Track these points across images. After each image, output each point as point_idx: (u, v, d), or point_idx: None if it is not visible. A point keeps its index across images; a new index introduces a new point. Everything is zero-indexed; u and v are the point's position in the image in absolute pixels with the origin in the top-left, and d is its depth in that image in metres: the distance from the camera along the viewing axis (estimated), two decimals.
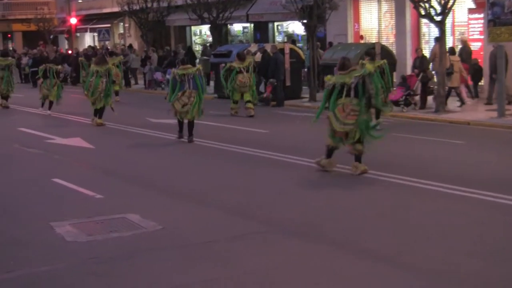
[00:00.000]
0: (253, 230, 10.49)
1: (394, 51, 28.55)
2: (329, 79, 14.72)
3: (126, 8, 43.15)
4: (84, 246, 9.79)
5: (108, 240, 10.01)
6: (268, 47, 29.26)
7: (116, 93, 29.29)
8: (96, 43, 53.03)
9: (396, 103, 24.13)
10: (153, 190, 13.43)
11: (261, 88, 27.93)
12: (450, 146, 17.89)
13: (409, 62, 29.01)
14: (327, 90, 14.51)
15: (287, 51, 29.13)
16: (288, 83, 28.52)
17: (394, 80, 26.28)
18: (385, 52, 26.24)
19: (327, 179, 13.95)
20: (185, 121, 18.99)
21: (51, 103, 27.05)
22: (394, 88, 21.92)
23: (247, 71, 24.57)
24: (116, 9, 47.42)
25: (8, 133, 22.16)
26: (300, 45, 36.72)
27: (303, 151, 16.36)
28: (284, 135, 19.89)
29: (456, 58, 25.27)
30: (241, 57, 25.15)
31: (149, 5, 42.26)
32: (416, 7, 23.83)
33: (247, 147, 17.55)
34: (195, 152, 17.58)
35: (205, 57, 35.03)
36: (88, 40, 59.00)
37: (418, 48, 26.85)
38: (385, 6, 32.99)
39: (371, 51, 22.01)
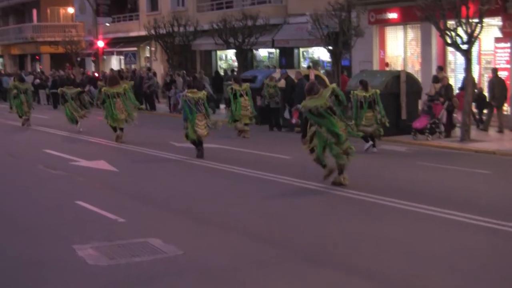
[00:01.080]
0: (274, 256, 10.44)
1: (420, 79, 28.46)
2: (304, 106, 15.59)
3: (152, 32, 43.45)
4: (105, 270, 9.79)
5: (130, 264, 10.00)
6: (292, 73, 29.30)
7: None
8: (123, 66, 53.39)
9: (421, 131, 24.07)
10: (175, 214, 13.43)
11: (286, 114, 27.93)
12: (475, 176, 17.77)
13: None
14: (310, 115, 15.46)
15: (312, 77, 29.11)
16: None
17: (419, 108, 26.21)
18: (411, 80, 26.18)
19: (348, 206, 13.88)
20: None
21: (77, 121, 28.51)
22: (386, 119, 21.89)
23: (246, 95, 25.94)
24: (142, 32, 47.76)
25: (33, 154, 22.30)
26: (323, 71, 36.72)
27: (328, 179, 16.31)
28: (307, 161, 19.81)
29: (439, 85, 25.76)
30: (238, 80, 26.79)
31: (175, 29, 42.53)
32: (442, 35, 23.78)
33: (269, 172, 17.52)
34: (218, 177, 17.58)
35: (230, 82, 35.07)
36: (115, 63, 59.36)
37: (444, 77, 26.76)
38: (411, 34, 32.95)
39: (364, 80, 22.20)
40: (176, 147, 22.67)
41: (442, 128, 24.45)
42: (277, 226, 12.25)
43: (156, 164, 19.91)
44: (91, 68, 58.52)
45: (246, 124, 26.04)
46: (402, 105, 25.38)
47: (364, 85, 21.71)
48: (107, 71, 49.99)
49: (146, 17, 50.48)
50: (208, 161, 19.62)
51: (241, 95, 25.81)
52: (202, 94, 20.36)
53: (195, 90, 20.58)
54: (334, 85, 16.22)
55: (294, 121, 27.38)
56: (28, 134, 28.99)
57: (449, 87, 24.97)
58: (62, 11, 70.30)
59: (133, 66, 50.03)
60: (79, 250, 10.62)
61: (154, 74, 42.93)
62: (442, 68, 27.92)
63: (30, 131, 29.90)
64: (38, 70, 64.92)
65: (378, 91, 21.78)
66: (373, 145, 21.66)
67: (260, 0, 42.13)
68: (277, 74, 29.95)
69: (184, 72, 40.06)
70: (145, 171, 18.83)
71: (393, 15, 32.82)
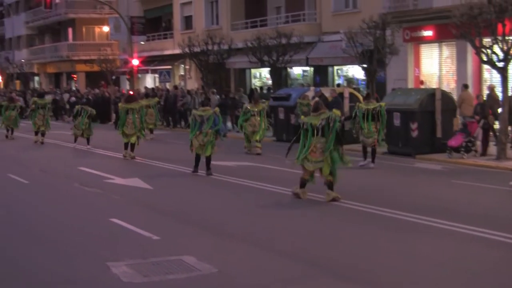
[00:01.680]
0: (302, 272, 10.42)
1: (455, 97, 28.27)
2: (303, 119, 17.03)
3: (187, 50, 43.62)
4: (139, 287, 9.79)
5: (164, 282, 9.99)
6: (326, 91, 29.24)
7: (151, 131, 32.76)
8: (157, 84, 53.68)
9: (456, 149, 23.87)
10: (209, 231, 13.42)
11: None
12: (511, 194, 17.57)
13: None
14: (302, 130, 16.61)
15: (346, 95, 29.05)
16: (346, 127, 28.36)
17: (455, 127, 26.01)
18: (446, 97, 25.99)
19: (379, 223, 13.76)
20: (203, 158, 20.92)
21: (87, 139, 29.68)
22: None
23: (259, 115, 26.85)
24: (177, 51, 47.97)
25: (68, 172, 22.42)
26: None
27: (360, 196, 16.23)
28: (340, 179, 19.75)
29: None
30: (256, 100, 27.86)
31: (209, 47, 42.67)
32: (478, 53, 23.62)
33: None
34: (252, 194, 17.54)
35: (263, 100, 35.11)
36: (149, 81, 59.69)
37: (479, 95, 26.56)
38: (446, 51, 32.80)
39: (369, 94, 24.33)
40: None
41: (478, 146, 24.23)
42: (312, 244, 12.18)
43: (191, 182, 19.93)
44: (125, 86, 58.88)
45: (257, 141, 26.80)
46: (437, 123, 25.21)
47: (368, 98, 23.30)
48: (142, 89, 50.29)
49: (181, 36, 50.76)
50: (241, 179, 19.63)
51: (252, 115, 26.74)
52: (210, 112, 20.93)
53: (207, 107, 21.34)
54: (335, 112, 16.81)
55: None
56: (62, 151, 29.17)
57: (484, 105, 24.75)
58: (97, 29, 71.01)
59: (167, 85, 50.25)
60: (113, 268, 10.63)
61: (188, 92, 43.10)
62: (467, 86, 27.75)
63: (63, 148, 30.03)
64: (74, 88, 65.49)
65: (383, 105, 22.79)
66: (372, 161, 22.43)
67: (294, 18, 42.16)
68: (310, 92, 29.90)
69: (214, 90, 40.16)
70: (180, 189, 18.86)
71: (428, 33, 32.71)
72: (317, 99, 28.02)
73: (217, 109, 21.47)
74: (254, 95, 30.52)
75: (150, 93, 43.26)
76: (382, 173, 21.27)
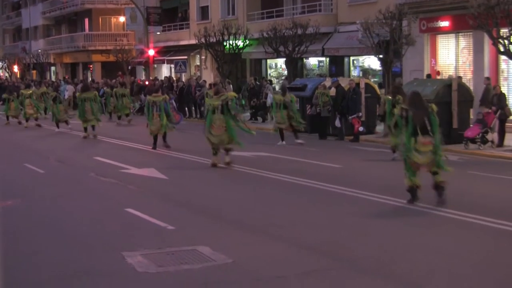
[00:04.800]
0: (324, 266, 10.34)
1: (472, 88, 28.12)
2: (207, 101, 21.48)
3: (203, 40, 43.59)
4: (154, 277, 9.80)
5: (179, 272, 9.99)
6: (343, 81, 29.16)
7: (126, 115, 37.90)
8: (173, 74, 53.71)
9: (472, 140, 23.77)
10: (225, 222, 13.41)
11: (337, 123, 27.74)
12: None
13: None
14: (207, 111, 20.53)
15: (362, 85, 28.95)
16: (363, 118, 28.32)
17: (471, 117, 25.87)
18: (462, 88, 25.85)
19: (400, 216, 13.73)
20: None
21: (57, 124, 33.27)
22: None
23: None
24: (193, 41, 47.95)
25: (84, 162, 22.47)
26: (376, 79, 36.51)
27: (375, 187, 16.19)
28: (357, 170, 19.74)
29: None
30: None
31: (225, 38, 42.61)
32: (495, 43, 23.51)
33: (320, 181, 17.40)
34: (268, 185, 17.52)
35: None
36: (165, 71, 59.69)
37: (496, 85, 26.42)
38: (463, 42, 32.61)
39: (284, 87, 27.86)
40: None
41: (493, 137, 24.07)
42: (329, 237, 12.13)
43: (206, 172, 19.92)
44: (141, 76, 58.97)
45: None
46: (454, 114, 25.08)
47: (283, 90, 26.94)
48: (159, 79, 50.31)
49: (197, 26, 50.71)
50: (258, 170, 19.59)
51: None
52: (161, 98, 24.42)
53: (158, 94, 24.90)
54: (230, 94, 20.71)
55: (361, 129, 27.19)
56: (77, 141, 29.23)
57: (502, 96, 24.62)
58: (113, 20, 71.07)
59: (183, 75, 50.26)
60: (129, 258, 10.65)
61: (205, 82, 43.12)
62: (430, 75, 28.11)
63: (78, 138, 30.04)
64: (90, 78, 65.67)
65: (293, 96, 26.65)
66: (296, 137, 26.07)
67: (310, 9, 42.03)
68: (327, 82, 29.80)
69: (217, 80, 40.21)
70: (195, 179, 18.86)
71: (444, 24, 32.53)
72: (362, 86, 28.53)
73: (165, 96, 25.10)
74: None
75: (167, 83, 43.45)
76: (398, 165, 21.19)
